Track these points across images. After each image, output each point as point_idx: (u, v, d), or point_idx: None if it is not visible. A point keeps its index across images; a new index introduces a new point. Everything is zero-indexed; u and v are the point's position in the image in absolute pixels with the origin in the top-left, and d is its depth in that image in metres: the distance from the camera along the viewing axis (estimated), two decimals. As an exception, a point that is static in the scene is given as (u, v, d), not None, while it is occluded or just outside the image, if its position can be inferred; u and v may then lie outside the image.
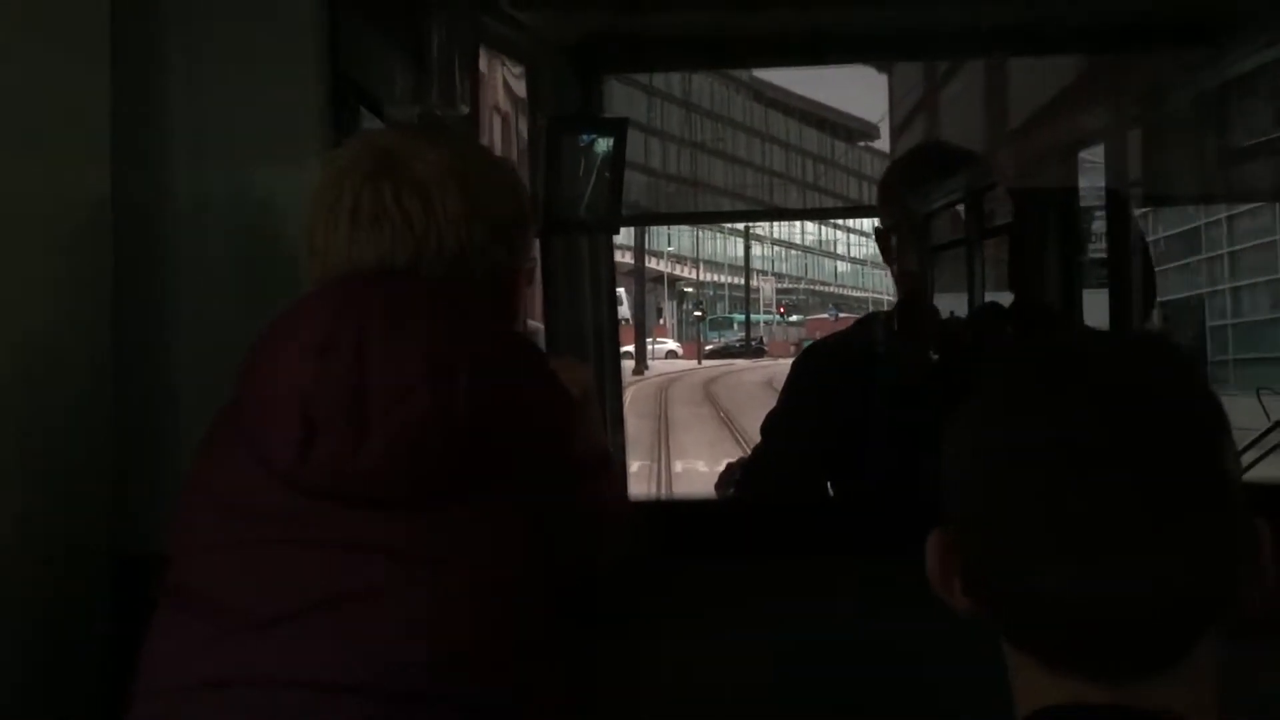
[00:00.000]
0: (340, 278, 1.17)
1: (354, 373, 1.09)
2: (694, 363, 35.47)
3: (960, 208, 1.86)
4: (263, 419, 1.11)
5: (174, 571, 1.15)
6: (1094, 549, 0.77)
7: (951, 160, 1.99)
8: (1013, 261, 1.88)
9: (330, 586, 1.08)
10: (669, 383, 24.95)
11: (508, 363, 1.17)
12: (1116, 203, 1.87)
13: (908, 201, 1.91)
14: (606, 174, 2.01)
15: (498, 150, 2.18)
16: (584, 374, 1.39)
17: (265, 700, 1.06)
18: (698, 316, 42.31)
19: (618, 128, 2.02)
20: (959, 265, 1.92)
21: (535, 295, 2.25)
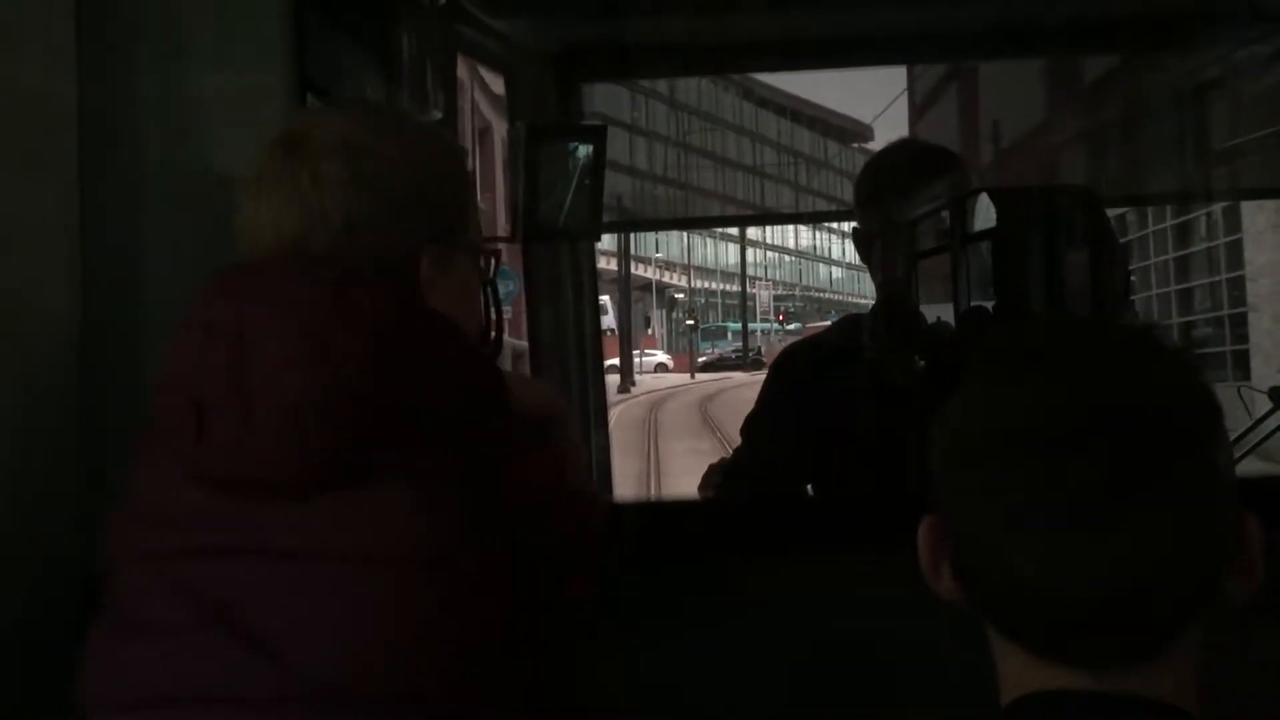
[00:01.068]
0: (233, 261, 1.21)
1: (236, 354, 1.12)
2: (686, 377, 33.81)
3: (943, 213, 1.95)
4: (162, 410, 1.14)
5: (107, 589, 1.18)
6: (1069, 536, 0.80)
7: (928, 160, 2.07)
8: (996, 266, 1.96)
9: (235, 596, 1.11)
10: (659, 402, 22.89)
11: (395, 339, 1.15)
12: (1092, 203, 1.96)
13: (884, 206, 1.99)
14: (586, 181, 2.09)
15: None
16: (545, 393, 1.42)
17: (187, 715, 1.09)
18: (690, 325, 41.16)
19: (597, 135, 2.10)
20: (942, 269, 2.00)
21: (518, 306, 2.33)
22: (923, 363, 1.88)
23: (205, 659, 1.09)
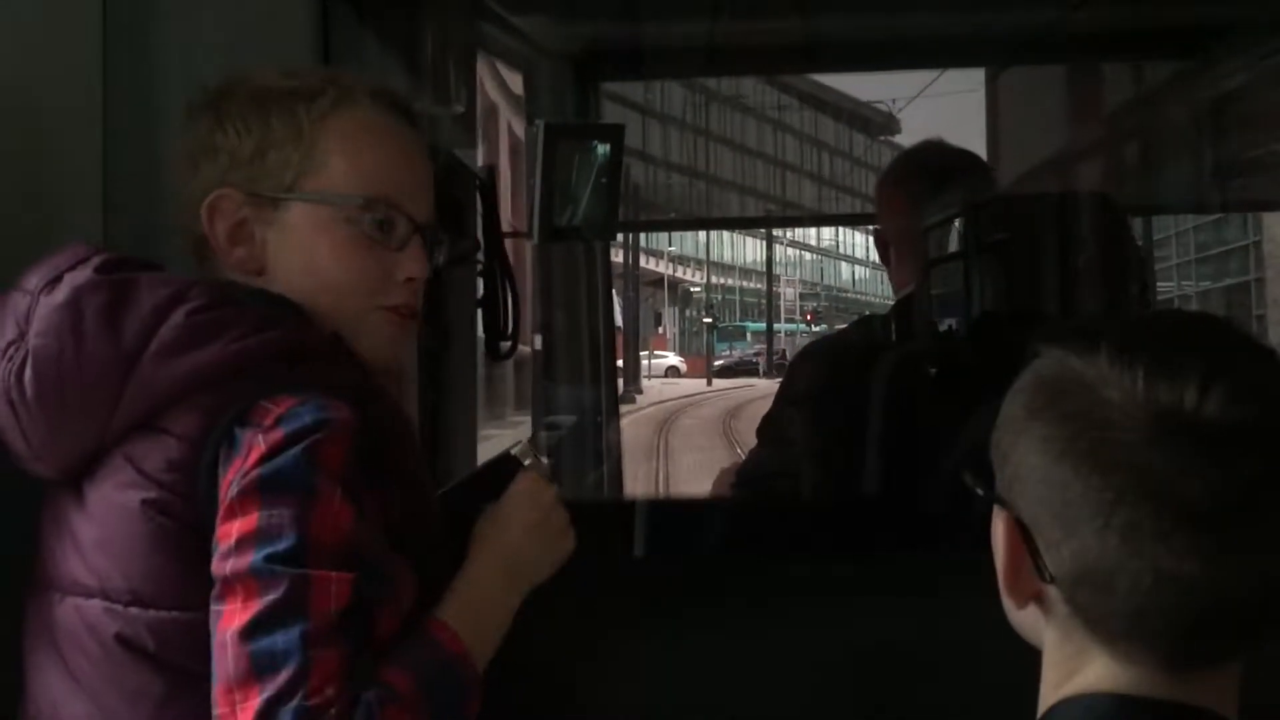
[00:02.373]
0: None
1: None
2: (701, 383, 31.07)
3: (958, 222, 2.06)
4: None
5: None
6: (1240, 531, 0.82)
7: (949, 165, 2.17)
8: (1011, 273, 2.08)
9: (36, 641, 1.19)
10: (670, 419, 19.69)
11: (96, 323, 1.14)
12: (1112, 210, 2.08)
13: (904, 210, 2.11)
14: (603, 180, 2.21)
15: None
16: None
17: None
18: (707, 323, 40.39)
19: (614, 134, 2.22)
20: (959, 274, 2.11)
21: (526, 307, 2.44)
22: (934, 370, 2.00)
23: (42, 694, 1.18)
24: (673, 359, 38.78)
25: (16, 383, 1.14)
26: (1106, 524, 0.84)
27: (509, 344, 1.67)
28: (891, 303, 2.18)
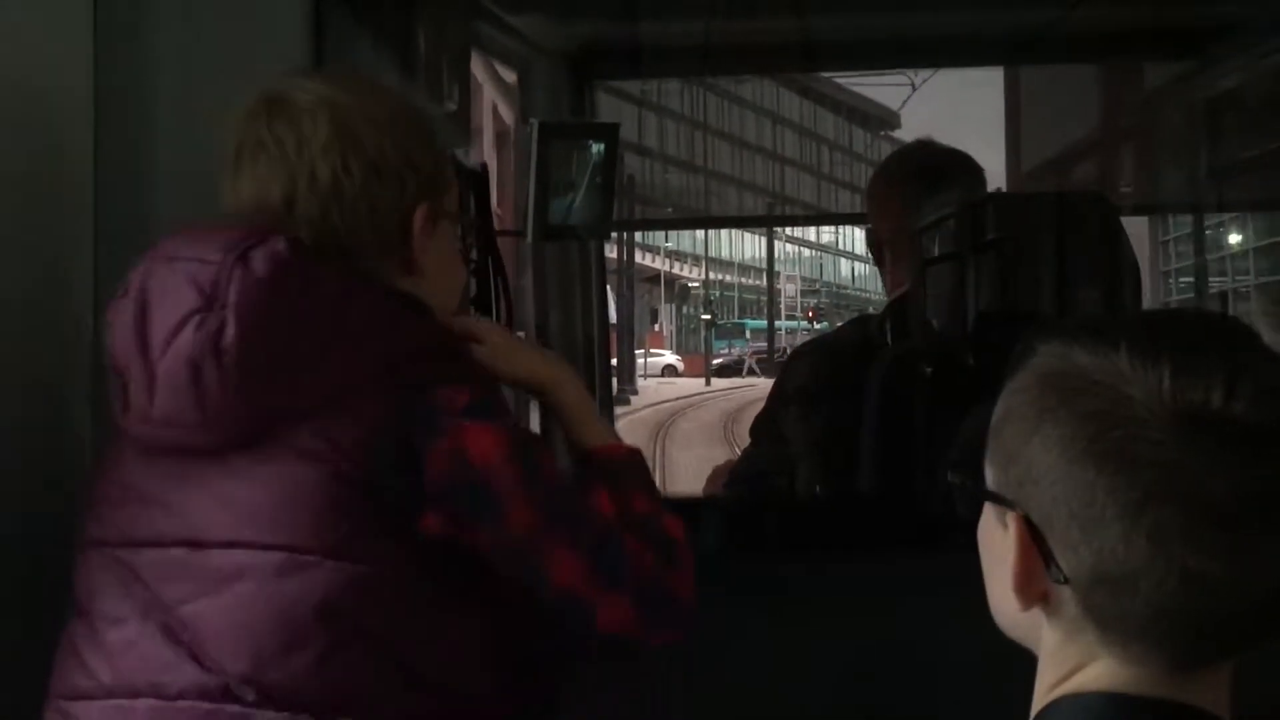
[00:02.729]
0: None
1: (140, 316, 1.22)
2: (699, 383, 30.12)
3: (952, 221, 2.09)
4: (111, 387, 1.26)
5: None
6: (1250, 534, 0.83)
7: (941, 166, 2.20)
8: (1005, 273, 2.11)
9: (159, 590, 1.22)
10: (667, 421, 18.56)
11: (297, 301, 1.22)
12: (1105, 208, 2.11)
13: (897, 210, 2.14)
14: (598, 180, 2.24)
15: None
16: (533, 362, 1.46)
17: (117, 715, 1.21)
18: (706, 320, 37.97)
19: (609, 133, 2.26)
20: (952, 274, 2.14)
21: (526, 300, 2.48)
22: (929, 369, 2.04)
23: (133, 653, 1.22)
24: (670, 357, 36.93)
25: (213, 349, 1.19)
26: (1133, 524, 0.84)
27: None
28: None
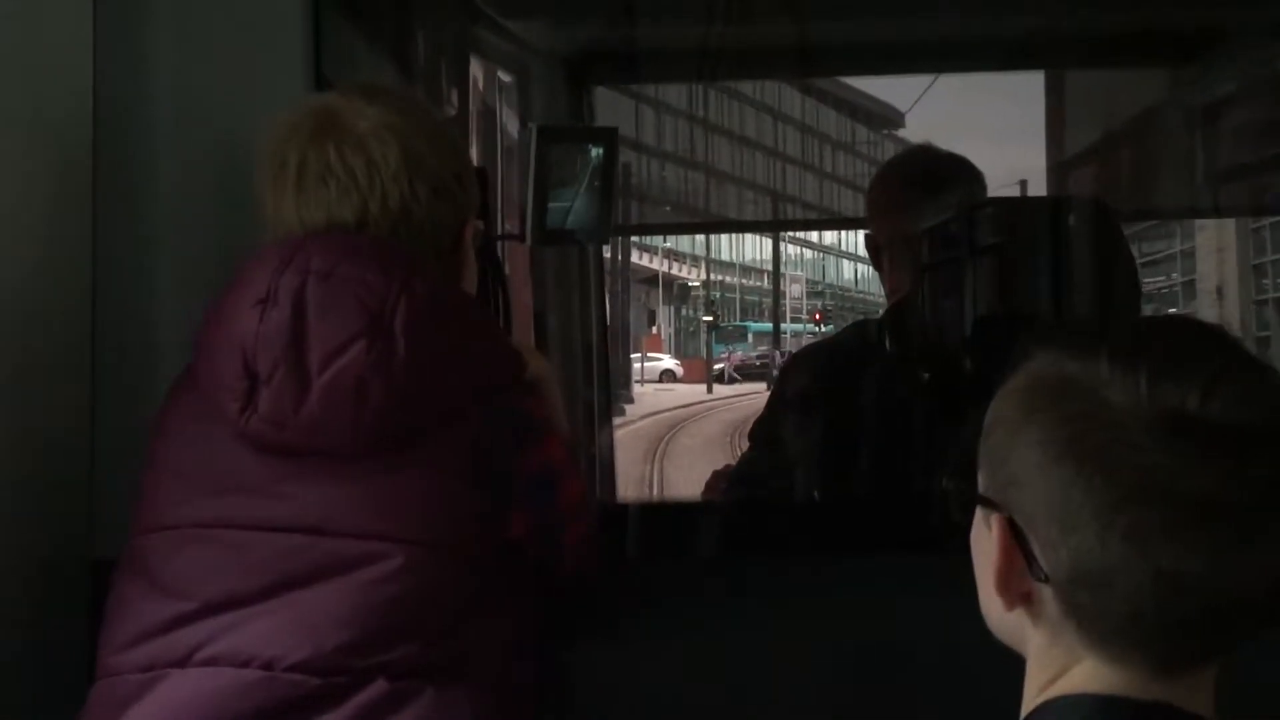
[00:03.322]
0: (286, 235, 1.38)
1: (293, 324, 1.31)
2: (700, 389, 29.12)
3: (951, 224, 2.14)
4: (213, 375, 1.34)
5: (136, 549, 1.37)
6: (1226, 533, 0.86)
7: (940, 170, 2.25)
8: (1004, 277, 2.16)
9: (272, 571, 1.32)
10: (666, 435, 17.38)
11: (450, 317, 1.38)
12: (1104, 215, 2.16)
13: (895, 215, 2.19)
14: (596, 184, 2.29)
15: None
16: (537, 361, 1.58)
17: (214, 680, 1.30)
18: (707, 323, 36.96)
19: (608, 137, 2.31)
20: (952, 279, 2.18)
21: (525, 300, 2.53)
22: (927, 375, 2.09)
23: (247, 628, 1.31)
24: (668, 362, 35.17)
25: (384, 370, 1.32)
26: (1109, 523, 0.87)
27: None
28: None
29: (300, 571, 1.33)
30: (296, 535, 1.34)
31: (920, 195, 2.20)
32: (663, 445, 16.09)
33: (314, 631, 1.31)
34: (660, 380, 31.63)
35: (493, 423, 1.38)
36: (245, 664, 1.30)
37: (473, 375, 1.39)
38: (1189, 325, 0.99)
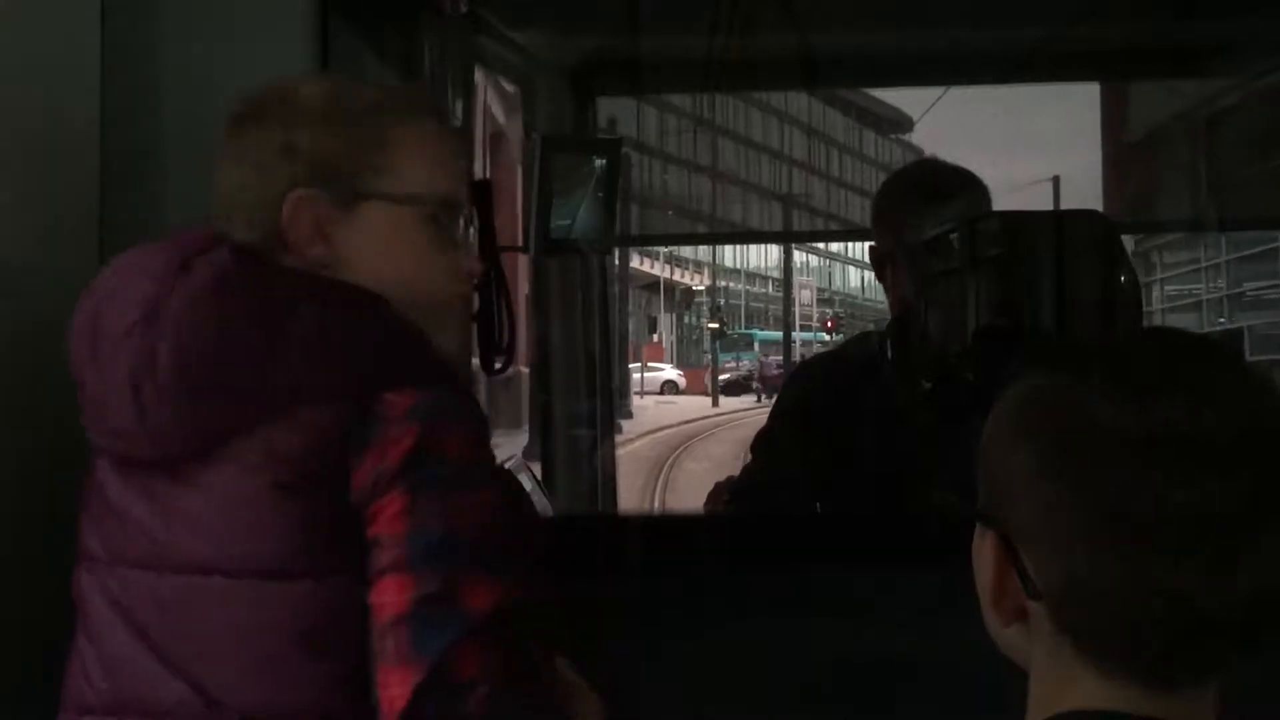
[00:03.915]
0: None
1: (90, 323, 1.28)
2: (704, 402, 27.34)
3: (954, 236, 2.19)
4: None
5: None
6: (1224, 548, 0.88)
7: (943, 182, 2.31)
8: (1006, 289, 2.21)
9: (141, 607, 1.27)
10: (668, 459, 15.23)
11: (241, 305, 1.26)
12: (1105, 228, 2.22)
13: (898, 227, 2.24)
14: (600, 194, 2.36)
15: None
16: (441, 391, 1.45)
17: None
18: (713, 330, 35.24)
19: (612, 148, 2.38)
20: (955, 291, 2.24)
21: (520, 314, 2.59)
22: (929, 385, 2.15)
23: (126, 669, 1.28)
24: (670, 372, 34.07)
25: (149, 365, 1.24)
26: (1099, 539, 0.89)
27: (504, 359, 1.77)
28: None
29: (161, 608, 1.28)
30: (149, 571, 1.29)
31: (923, 207, 2.24)
32: (665, 471, 14.69)
33: (184, 671, 1.27)
34: (661, 391, 30.56)
35: (304, 432, 1.24)
36: (124, 711, 1.29)
37: (297, 365, 1.25)
38: (1178, 338, 1.01)
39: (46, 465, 1.48)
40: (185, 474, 1.26)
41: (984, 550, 0.97)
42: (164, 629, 1.27)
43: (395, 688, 1.19)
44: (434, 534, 1.21)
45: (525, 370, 2.69)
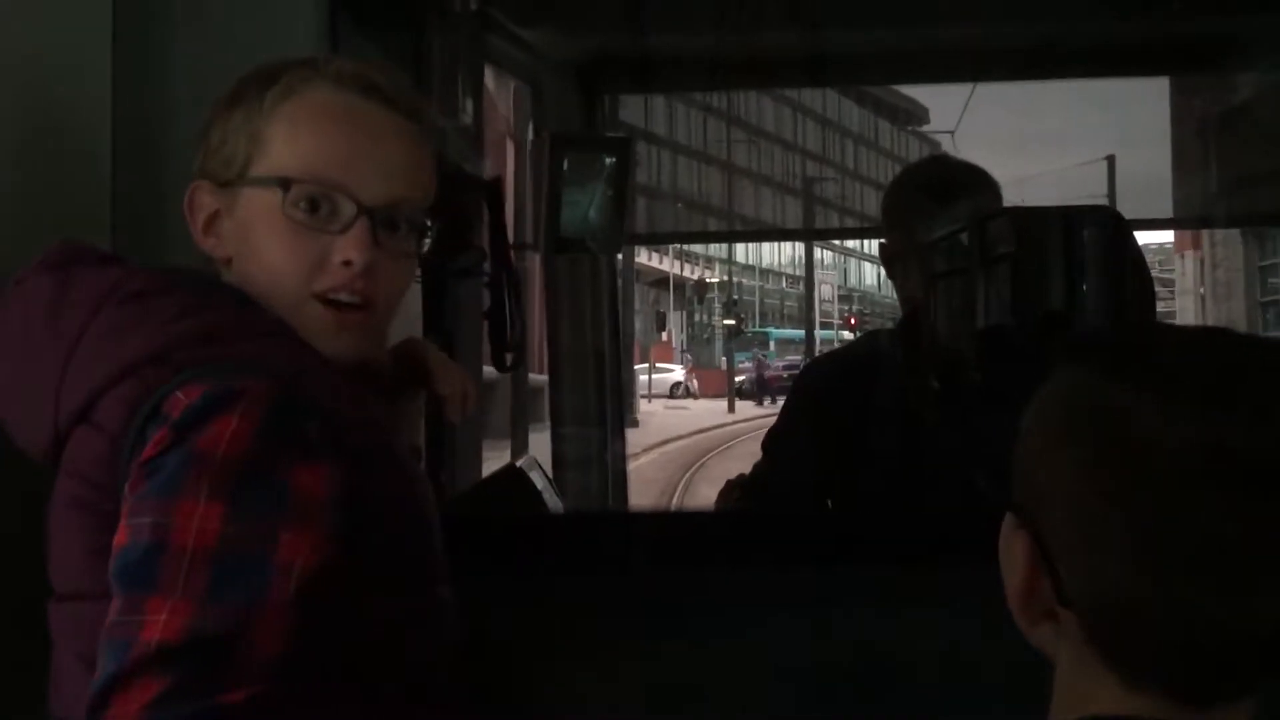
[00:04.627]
0: None
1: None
2: (720, 407, 25.19)
3: (963, 235, 2.24)
4: None
5: None
6: (1262, 574, 0.87)
7: (955, 180, 2.36)
8: (1016, 287, 2.26)
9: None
10: (682, 480, 13.62)
11: (40, 319, 1.26)
12: (1117, 224, 2.27)
13: (909, 224, 2.30)
14: (609, 193, 2.39)
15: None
16: (456, 380, 1.50)
17: None
18: (729, 327, 33.54)
19: (622, 147, 2.44)
20: (966, 290, 2.29)
21: (535, 316, 2.65)
22: (938, 385, 2.20)
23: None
24: (679, 372, 32.51)
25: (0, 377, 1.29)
26: (1141, 556, 0.88)
27: (514, 356, 1.77)
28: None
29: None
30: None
31: (933, 205, 2.29)
32: (679, 493, 13.05)
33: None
34: (671, 395, 29.10)
35: (93, 440, 1.21)
36: None
37: (88, 367, 1.23)
38: (1235, 344, 0.98)
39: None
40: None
41: (1015, 548, 0.97)
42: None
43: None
44: (137, 548, 1.12)
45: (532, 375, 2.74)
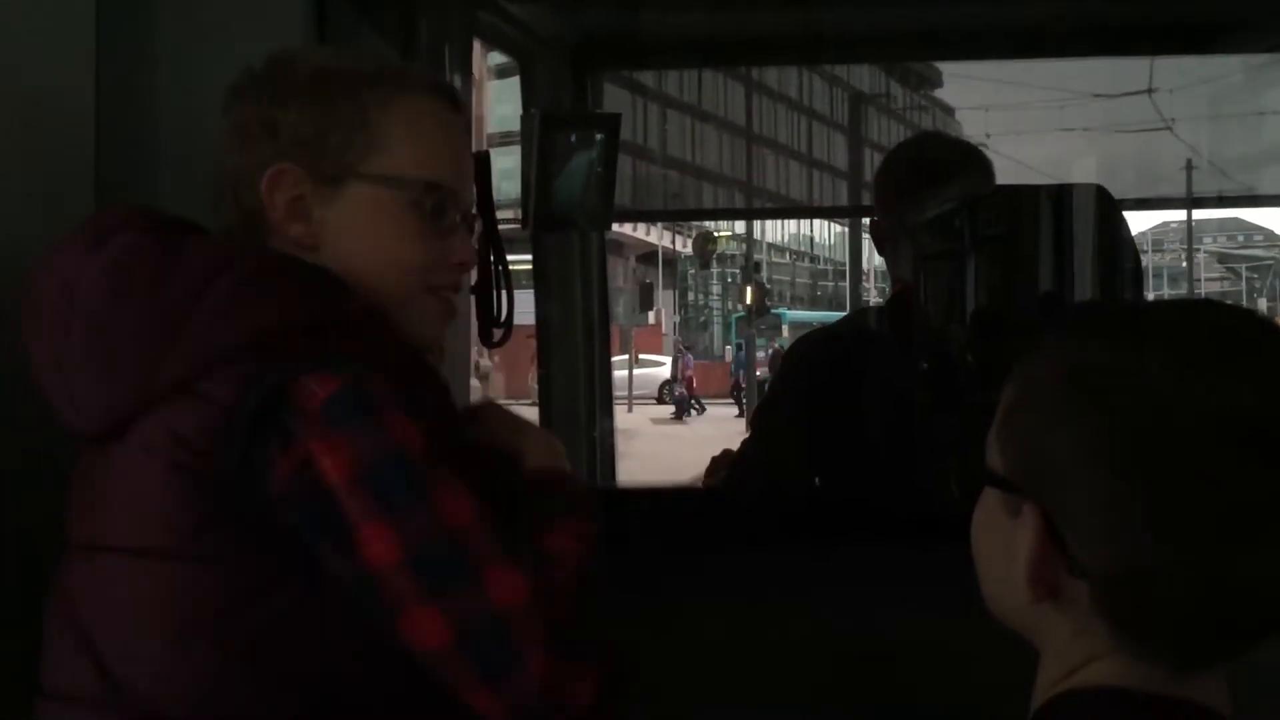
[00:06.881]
0: None
1: (30, 303, 1.41)
2: (727, 413, 21.64)
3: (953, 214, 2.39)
4: None
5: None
6: (1275, 537, 0.93)
7: (948, 158, 2.52)
8: (1007, 269, 2.40)
9: (74, 593, 1.39)
10: None
11: (145, 278, 1.35)
12: (1105, 202, 2.46)
13: (901, 203, 2.46)
14: (599, 170, 2.53)
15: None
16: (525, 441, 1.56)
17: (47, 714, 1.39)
18: (746, 311, 27.15)
19: (610, 124, 2.58)
20: (955, 271, 2.38)
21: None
22: (926, 364, 2.38)
23: (60, 661, 1.40)
24: (668, 368, 28.88)
25: (65, 341, 1.37)
26: (1158, 524, 0.93)
27: (502, 330, 1.82)
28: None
29: (83, 593, 1.40)
30: (81, 553, 1.42)
31: (924, 183, 2.44)
32: None
33: (100, 661, 1.36)
34: (659, 398, 25.65)
35: (204, 411, 1.32)
36: (48, 697, 1.42)
37: (205, 339, 1.33)
38: (1237, 315, 1.04)
39: (49, 457, 1.54)
40: (109, 453, 1.37)
41: (1009, 521, 1.02)
42: (92, 610, 1.38)
43: (427, 625, 1.28)
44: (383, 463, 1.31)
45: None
